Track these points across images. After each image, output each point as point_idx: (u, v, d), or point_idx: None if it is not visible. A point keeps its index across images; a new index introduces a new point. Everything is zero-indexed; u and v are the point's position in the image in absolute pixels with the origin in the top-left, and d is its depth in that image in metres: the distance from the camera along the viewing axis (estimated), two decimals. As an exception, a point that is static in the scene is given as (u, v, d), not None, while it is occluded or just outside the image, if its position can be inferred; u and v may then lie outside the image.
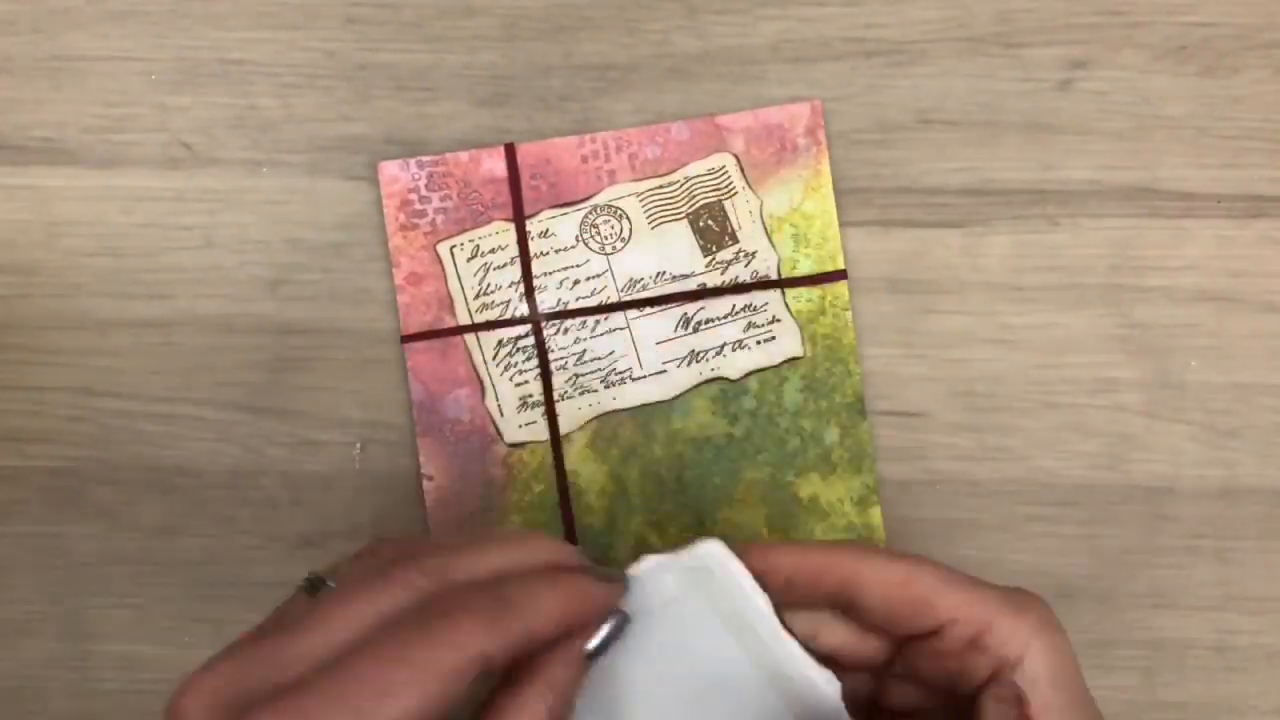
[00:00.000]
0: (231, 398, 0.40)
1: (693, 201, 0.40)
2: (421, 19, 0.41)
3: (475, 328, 0.40)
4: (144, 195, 0.41)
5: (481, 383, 0.40)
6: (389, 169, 0.40)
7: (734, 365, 0.40)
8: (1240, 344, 0.40)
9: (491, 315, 0.40)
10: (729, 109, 0.40)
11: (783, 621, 0.31)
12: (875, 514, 0.40)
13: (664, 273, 0.40)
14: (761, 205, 0.40)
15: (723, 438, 0.40)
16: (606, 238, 0.40)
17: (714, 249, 0.40)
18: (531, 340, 0.40)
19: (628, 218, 0.40)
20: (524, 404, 0.40)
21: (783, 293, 0.40)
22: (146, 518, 0.40)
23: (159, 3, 0.41)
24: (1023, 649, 0.29)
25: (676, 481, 0.40)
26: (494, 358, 0.40)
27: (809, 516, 0.40)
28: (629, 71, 0.41)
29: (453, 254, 0.40)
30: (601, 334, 0.40)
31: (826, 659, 0.31)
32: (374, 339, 0.40)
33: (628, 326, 0.40)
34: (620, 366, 0.40)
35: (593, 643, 0.29)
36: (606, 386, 0.40)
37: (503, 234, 0.40)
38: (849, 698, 0.31)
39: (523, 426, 0.40)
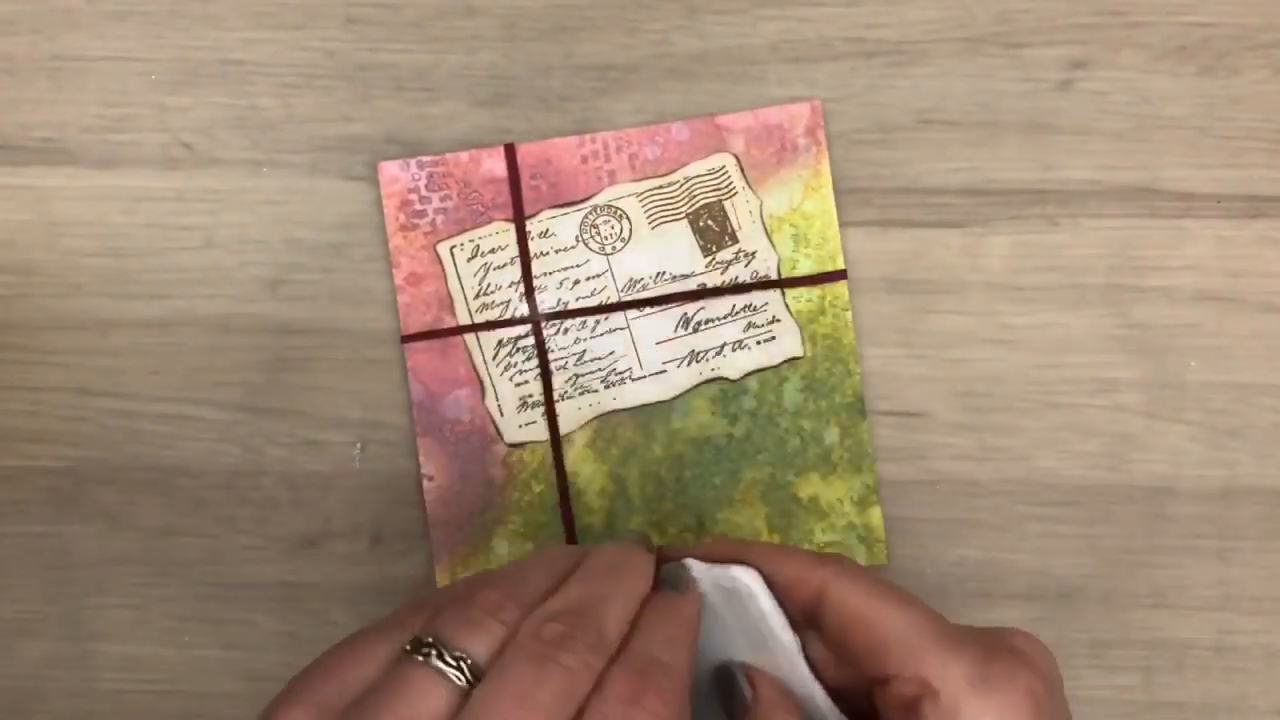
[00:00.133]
0: (231, 398, 0.40)
1: (693, 201, 0.40)
2: (421, 19, 0.41)
3: (475, 328, 0.40)
4: (144, 195, 0.41)
5: (481, 383, 0.40)
6: (389, 169, 0.40)
7: (734, 365, 0.40)
8: (1240, 344, 0.40)
9: (491, 315, 0.40)
10: (729, 109, 0.40)
11: (809, 663, 0.30)
12: (875, 514, 0.40)
13: (664, 273, 0.40)
14: (761, 205, 0.40)
15: (723, 438, 0.40)
16: (606, 238, 0.40)
17: (714, 249, 0.40)
18: (531, 340, 0.40)
19: (628, 218, 0.40)
20: (524, 404, 0.40)
21: (783, 293, 0.40)
22: (146, 518, 0.40)
23: (159, 3, 0.41)
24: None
25: (676, 481, 0.40)
26: (494, 358, 0.40)
27: (809, 516, 0.40)
28: (629, 71, 0.41)
29: (453, 254, 0.40)
30: (601, 334, 0.40)
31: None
32: (374, 339, 0.40)
33: (628, 326, 0.40)
34: (620, 366, 0.40)
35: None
36: (606, 386, 0.40)
37: (503, 234, 0.40)
38: None
39: (523, 426, 0.40)
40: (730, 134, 0.40)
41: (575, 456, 0.40)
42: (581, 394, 0.40)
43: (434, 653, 0.26)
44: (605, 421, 0.40)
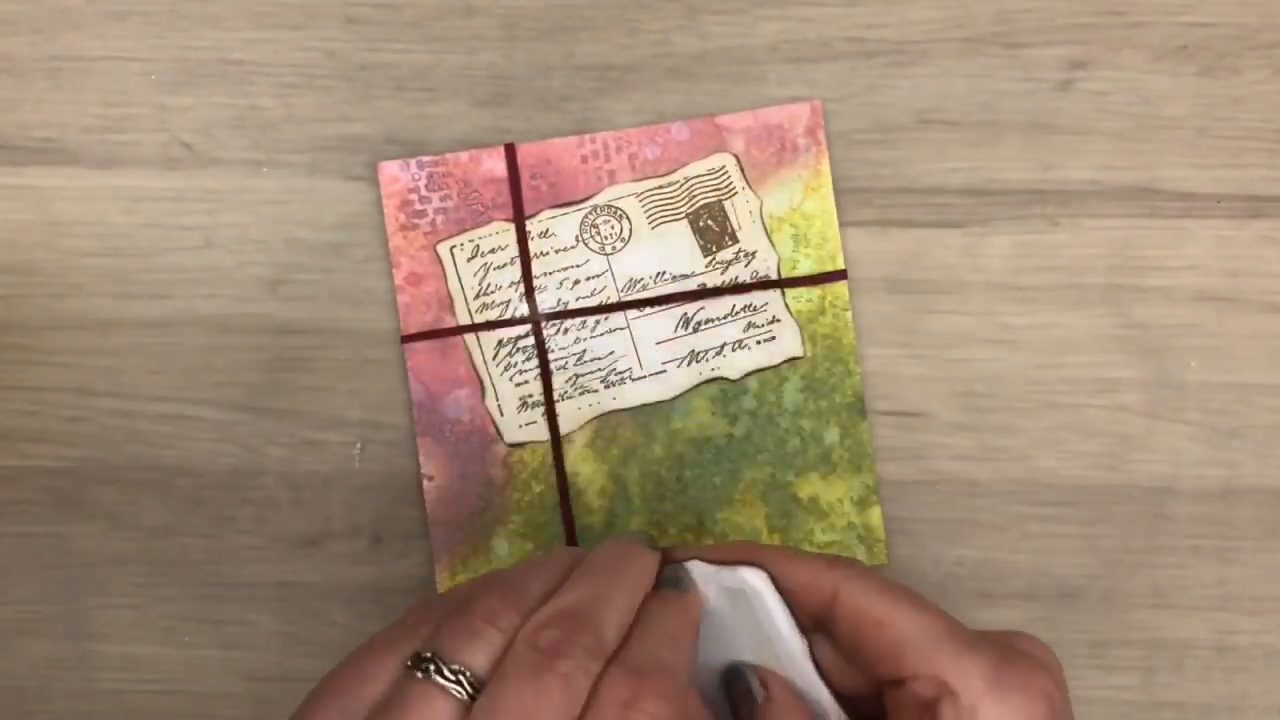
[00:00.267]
0: (231, 398, 0.40)
1: (693, 201, 0.40)
2: (421, 19, 0.41)
3: (475, 328, 0.40)
4: (144, 195, 0.41)
5: (481, 383, 0.40)
6: (389, 169, 0.40)
7: (734, 365, 0.40)
8: (1240, 344, 0.40)
9: (491, 315, 0.40)
10: (729, 109, 0.40)
11: (817, 665, 0.30)
12: (875, 514, 0.40)
13: (664, 273, 0.40)
14: (761, 205, 0.40)
15: (723, 438, 0.40)
16: (606, 238, 0.40)
17: (714, 249, 0.40)
18: (531, 340, 0.40)
19: (628, 218, 0.40)
20: (524, 404, 0.40)
21: (783, 293, 0.40)
22: (146, 518, 0.40)
23: (159, 3, 0.41)
24: None
25: (676, 481, 0.40)
26: (494, 358, 0.40)
27: (809, 516, 0.40)
28: (629, 71, 0.41)
29: (453, 254, 0.40)
30: (601, 334, 0.40)
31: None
32: (374, 339, 0.40)
33: (628, 326, 0.40)
34: (620, 366, 0.40)
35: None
36: (606, 386, 0.40)
37: (503, 234, 0.40)
38: None
39: (523, 426, 0.40)
40: (730, 134, 0.40)
41: (575, 456, 0.40)
42: (581, 394, 0.40)
43: (433, 667, 0.26)
44: (605, 421, 0.40)
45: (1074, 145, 0.40)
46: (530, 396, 0.40)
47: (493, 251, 0.40)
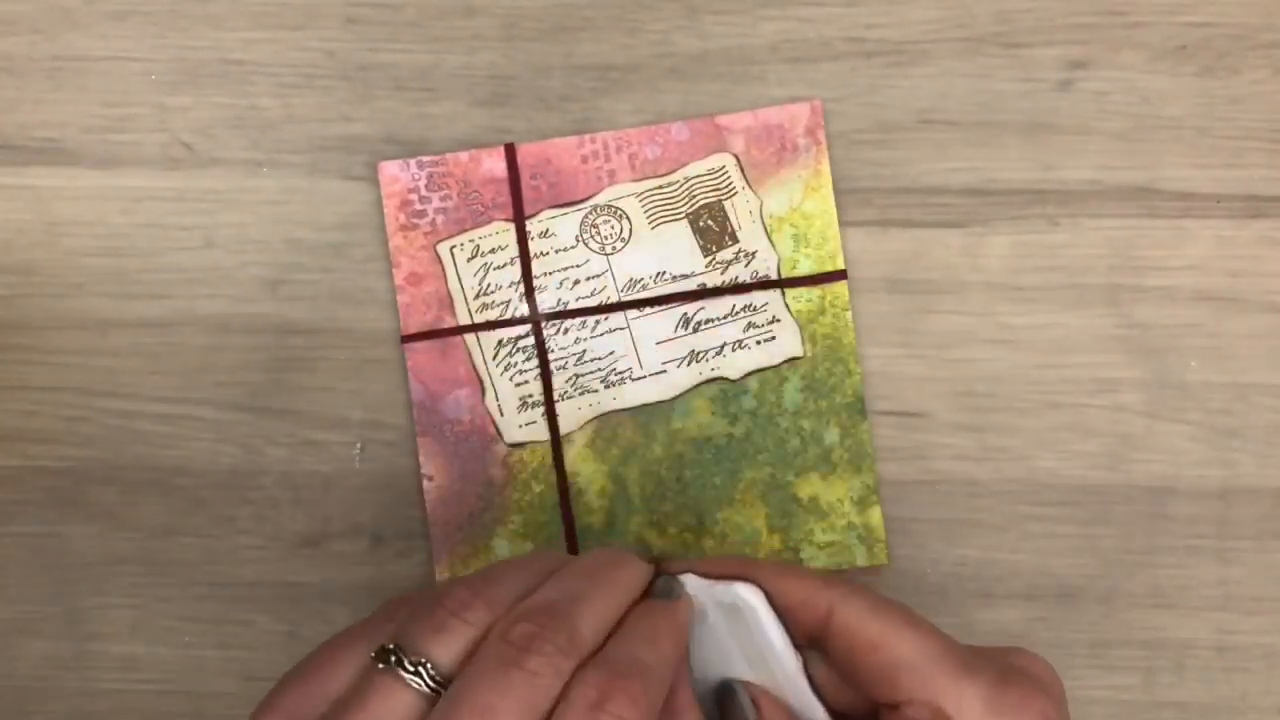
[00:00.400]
0: (231, 398, 0.40)
1: (693, 201, 0.40)
2: (421, 19, 0.41)
3: (475, 328, 0.40)
4: (144, 195, 0.41)
5: (481, 383, 0.40)
6: (389, 169, 0.40)
7: (734, 365, 0.40)
8: (1240, 344, 0.40)
9: (491, 315, 0.40)
10: (729, 109, 0.40)
11: (811, 682, 0.30)
12: (875, 514, 0.40)
13: (664, 273, 0.40)
14: (761, 205, 0.40)
15: (723, 438, 0.40)
16: (606, 238, 0.40)
17: (714, 249, 0.40)
18: (531, 340, 0.40)
19: (628, 218, 0.40)
20: (524, 404, 0.40)
21: (783, 293, 0.40)
22: (146, 518, 0.40)
23: (159, 3, 0.41)
24: None
25: (676, 481, 0.40)
26: (494, 358, 0.40)
27: (809, 516, 0.40)
28: (629, 71, 0.41)
29: (453, 254, 0.40)
30: (601, 334, 0.40)
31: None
32: (374, 339, 0.40)
33: (628, 326, 0.40)
34: (620, 366, 0.40)
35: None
36: (606, 386, 0.40)
37: (503, 234, 0.40)
38: None
39: (523, 426, 0.40)
40: (730, 134, 0.40)
41: (575, 456, 0.40)
42: (581, 394, 0.40)
43: (394, 659, 0.26)
44: (605, 421, 0.40)
45: (1074, 145, 0.40)
46: (530, 396, 0.40)
47: (493, 251, 0.40)
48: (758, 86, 0.40)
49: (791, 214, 0.40)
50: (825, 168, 0.40)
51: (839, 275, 0.40)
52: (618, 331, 0.40)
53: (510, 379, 0.40)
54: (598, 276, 0.40)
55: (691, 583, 0.30)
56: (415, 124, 0.41)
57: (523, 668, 0.25)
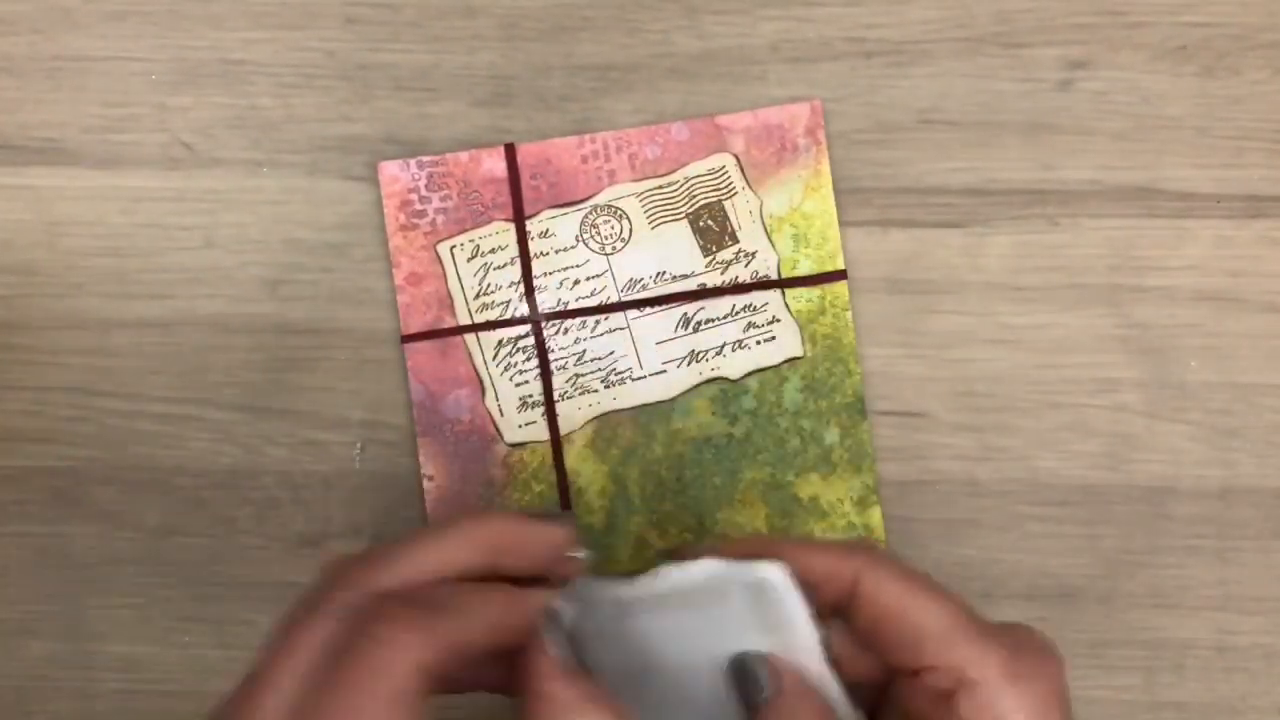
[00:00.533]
0: (231, 398, 0.40)
1: (693, 201, 0.40)
2: (421, 19, 0.41)
3: (475, 328, 0.40)
4: (144, 195, 0.41)
5: (481, 383, 0.40)
6: (389, 169, 0.40)
7: (734, 365, 0.40)
8: (1240, 344, 0.40)
9: (491, 315, 0.40)
10: (729, 109, 0.40)
11: (828, 660, 0.30)
12: (875, 514, 0.40)
13: (664, 273, 0.40)
14: (761, 205, 0.40)
15: (723, 438, 0.40)
16: (606, 238, 0.40)
17: (714, 249, 0.40)
18: (531, 340, 0.40)
19: (628, 218, 0.40)
20: (524, 404, 0.40)
21: (783, 293, 0.40)
22: (146, 518, 0.40)
23: (159, 3, 0.41)
24: (1003, 714, 0.27)
25: (676, 481, 0.40)
26: (494, 358, 0.40)
27: (809, 516, 0.40)
28: (629, 71, 0.41)
29: (453, 254, 0.40)
30: (601, 334, 0.40)
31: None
32: (374, 339, 0.40)
33: (628, 326, 0.40)
34: (620, 366, 0.40)
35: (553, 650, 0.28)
36: (606, 386, 0.40)
37: (503, 234, 0.40)
38: None
39: (523, 426, 0.40)
40: (730, 134, 0.40)
41: (575, 456, 0.40)
42: (581, 394, 0.40)
43: None
44: (605, 421, 0.40)
45: (1074, 145, 0.40)
46: (530, 396, 0.40)
47: (493, 251, 0.40)
48: (758, 86, 0.40)
49: (791, 214, 0.40)
50: (825, 168, 0.40)
51: (839, 275, 0.40)
52: (618, 331, 0.40)
53: (510, 379, 0.40)
54: (598, 276, 0.40)
55: (713, 566, 0.30)
56: (415, 124, 0.41)
57: (313, 607, 0.27)
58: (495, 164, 0.40)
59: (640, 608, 0.31)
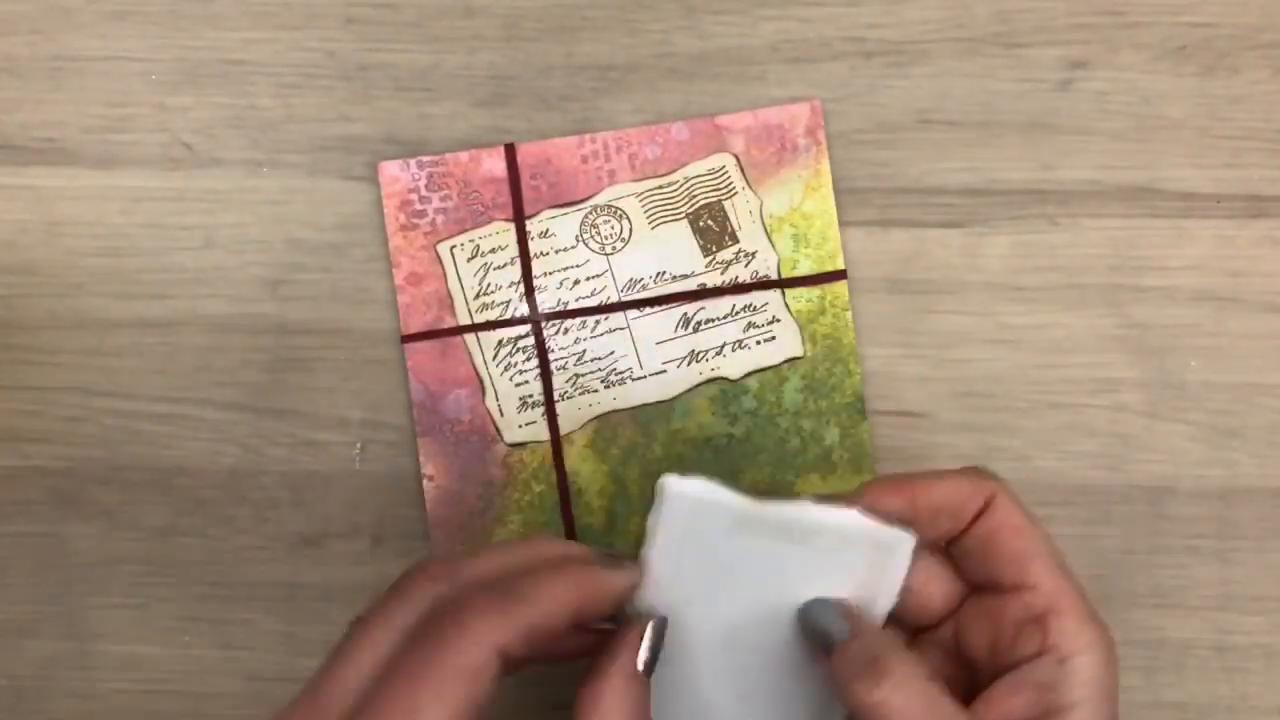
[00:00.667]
0: (231, 398, 0.40)
1: (693, 201, 0.40)
2: (421, 19, 0.41)
3: (475, 328, 0.40)
4: (144, 195, 0.41)
5: (481, 383, 0.40)
6: (389, 169, 0.40)
7: (734, 365, 0.40)
8: (1240, 344, 0.40)
9: (491, 315, 0.40)
10: (729, 109, 0.40)
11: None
12: (875, 514, 0.40)
13: (664, 273, 0.40)
14: (761, 205, 0.40)
15: (723, 438, 0.40)
16: (606, 238, 0.40)
17: (714, 249, 0.40)
18: (531, 340, 0.40)
19: (628, 218, 0.40)
20: (524, 404, 0.40)
21: (783, 293, 0.40)
22: (146, 518, 0.40)
23: (159, 3, 0.41)
24: (1081, 649, 0.30)
25: (676, 481, 0.40)
26: (494, 358, 0.40)
27: (809, 516, 0.40)
28: (629, 71, 0.41)
29: (453, 254, 0.40)
30: (601, 334, 0.40)
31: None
32: (374, 339, 0.40)
33: (628, 326, 0.40)
34: (620, 366, 0.40)
35: (642, 655, 0.29)
36: (606, 386, 0.40)
37: (503, 234, 0.40)
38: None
39: (523, 426, 0.40)
40: (730, 134, 0.40)
41: (575, 456, 0.40)
42: (581, 394, 0.40)
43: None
44: (605, 421, 0.40)
45: (1074, 145, 0.40)
46: (530, 396, 0.40)
47: (493, 251, 0.40)
48: (758, 86, 0.40)
49: (791, 214, 0.40)
50: (825, 168, 0.40)
51: (839, 275, 0.40)
52: (618, 331, 0.40)
53: (510, 379, 0.40)
54: (598, 276, 0.40)
55: (857, 518, 0.31)
56: (415, 124, 0.41)
57: (397, 591, 0.28)
58: (495, 164, 0.40)
59: (757, 528, 0.31)
